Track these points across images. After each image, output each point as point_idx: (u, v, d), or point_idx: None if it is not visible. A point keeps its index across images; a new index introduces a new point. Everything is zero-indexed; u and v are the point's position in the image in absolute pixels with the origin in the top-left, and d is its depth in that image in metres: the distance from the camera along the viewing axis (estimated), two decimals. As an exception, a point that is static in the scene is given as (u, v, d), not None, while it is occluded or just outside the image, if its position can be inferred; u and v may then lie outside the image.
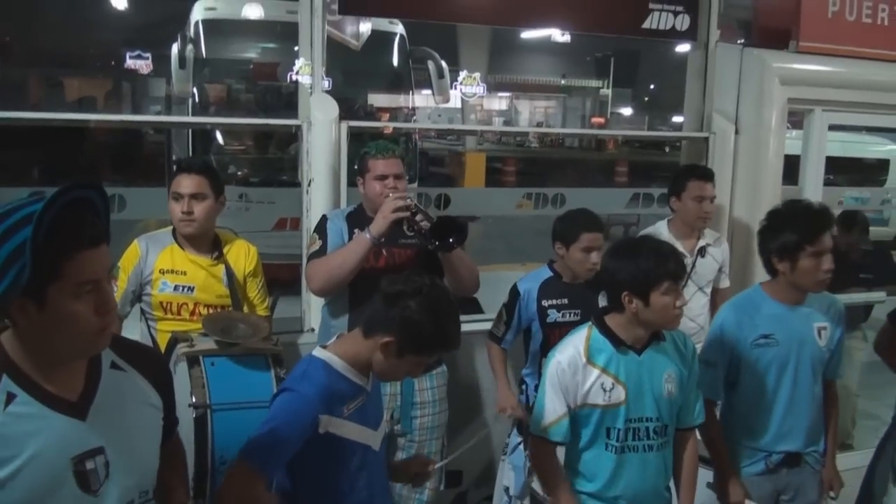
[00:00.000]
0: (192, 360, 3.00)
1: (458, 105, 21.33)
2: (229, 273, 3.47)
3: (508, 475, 3.71)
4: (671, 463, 2.92)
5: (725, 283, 4.44)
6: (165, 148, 11.01)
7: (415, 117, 11.42)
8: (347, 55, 7.54)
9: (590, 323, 2.87)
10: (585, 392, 2.77)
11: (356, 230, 3.46)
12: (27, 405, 1.67)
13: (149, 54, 20.07)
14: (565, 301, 3.68)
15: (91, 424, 1.73)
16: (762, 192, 4.58)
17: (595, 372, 2.77)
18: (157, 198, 3.67)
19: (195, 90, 9.55)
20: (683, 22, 4.74)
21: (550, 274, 3.75)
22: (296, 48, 4.40)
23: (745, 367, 3.23)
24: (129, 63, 20.89)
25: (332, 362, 2.38)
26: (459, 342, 2.42)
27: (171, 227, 3.50)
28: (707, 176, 4.37)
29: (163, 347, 3.23)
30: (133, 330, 3.56)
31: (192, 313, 3.39)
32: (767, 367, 3.20)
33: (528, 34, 20.72)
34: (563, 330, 3.32)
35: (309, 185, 3.97)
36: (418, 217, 3.30)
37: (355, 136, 4.06)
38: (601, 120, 36.98)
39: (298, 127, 4.04)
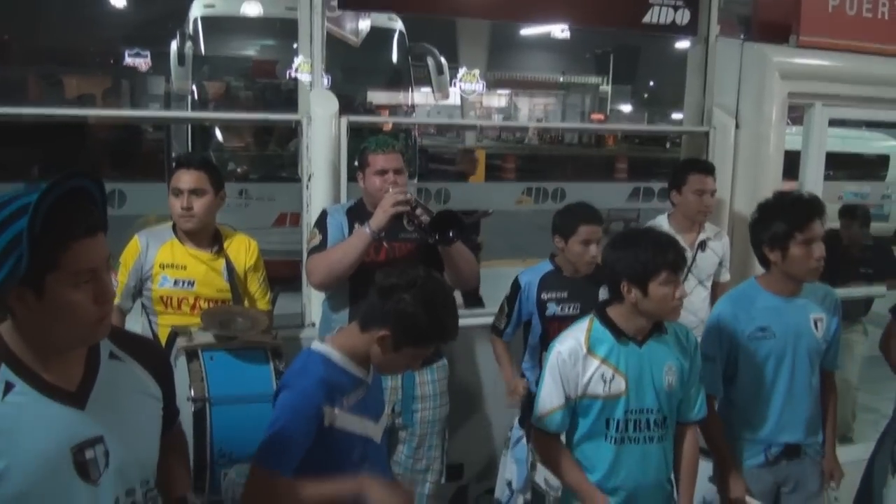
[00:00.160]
0: (191, 354, 2.99)
1: (458, 102, 21.33)
2: (230, 267, 3.47)
3: (511, 469, 3.72)
4: (672, 455, 2.93)
5: (726, 276, 4.44)
6: (165, 145, 11.00)
7: (414, 114, 11.40)
8: (347, 52, 7.53)
9: (591, 314, 2.88)
10: (586, 383, 2.78)
11: (356, 224, 3.46)
12: (26, 395, 1.67)
13: (148, 52, 20.07)
14: (565, 294, 3.70)
15: (90, 414, 1.73)
16: (762, 186, 4.57)
17: (595, 362, 2.78)
18: (156, 193, 3.68)
19: (194, 87, 9.53)
20: (683, 16, 4.74)
21: (551, 268, 3.77)
22: (295, 45, 4.39)
23: (742, 361, 3.24)
24: (129, 61, 20.90)
25: (331, 355, 2.38)
26: (457, 333, 2.42)
27: (171, 222, 3.50)
28: (708, 169, 4.37)
29: (163, 342, 3.23)
30: (134, 324, 3.57)
31: (193, 308, 3.40)
32: (765, 359, 3.21)
33: (527, 31, 20.70)
34: (562, 323, 3.33)
35: (309, 180, 3.97)
36: (418, 211, 3.31)
37: (355, 132, 4.06)
38: (601, 117, 36.97)
39: (298, 122, 4.03)
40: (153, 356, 1.98)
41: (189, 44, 9.53)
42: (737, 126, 4.75)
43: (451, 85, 12.95)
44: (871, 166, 14.18)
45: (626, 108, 38.11)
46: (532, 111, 39.97)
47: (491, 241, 8.25)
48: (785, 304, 3.23)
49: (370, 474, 2.39)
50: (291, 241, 4.30)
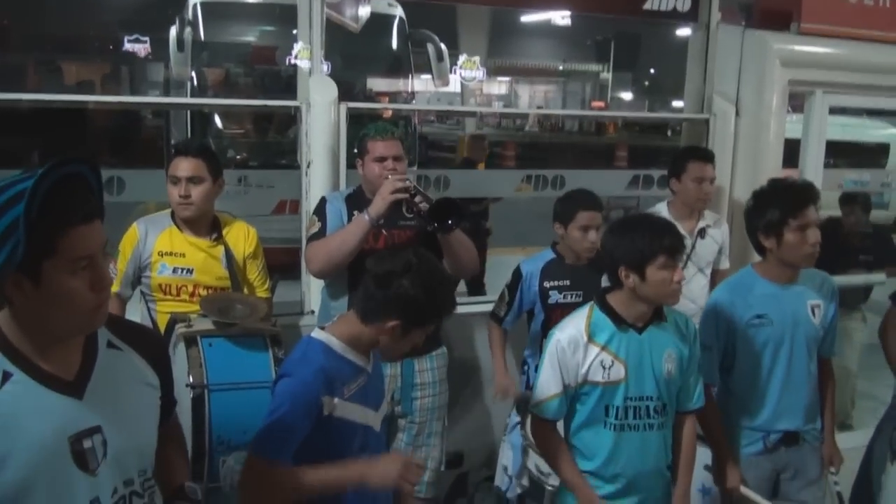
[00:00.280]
0: (190, 341, 2.99)
1: (458, 89, 21.26)
2: (228, 255, 3.46)
3: (507, 454, 3.73)
4: (671, 443, 2.93)
5: (725, 264, 4.44)
6: (164, 131, 10.97)
7: (414, 101, 11.37)
8: (346, 38, 7.49)
9: (591, 302, 2.88)
10: (586, 370, 2.78)
11: (355, 212, 3.45)
12: (23, 384, 1.66)
13: (147, 38, 19.98)
14: (567, 282, 3.70)
15: (88, 403, 1.72)
16: (762, 173, 4.56)
17: (595, 350, 2.79)
18: (156, 180, 3.66)
19: (194, 74, 9.51)
20: (685, 3, 4.73)
21: (553, 256, 3.78)
22: (294, 31, 4.37)
23: (740, 349, 3.24)
24: (128, 47, 20.80)
25: (331, 343, 2.38)
26: (455, 305, 2.48)
27: (169, 210, 3.50)
28: (707, 157, 4.36)
29: (163, 329, 3.23)
30: (133, 312, 3.56)
31: (192, 295, 3.39)
32: (762, 347, 3.21)
33: (528, 18, 20.61)
34: (564, 311, 3.33)
35: (308, 167, 3.96)
36: (417, 198, 3.30)
37: (354, 119, 4.05)
38: (601, 104, 36.82)
39: (297, 109, 4.02)
40: (151, 345, 1.97)
41: (188, 30, 9.49)
42: (737, 114, 4.75)
43: (451, 72, 12.92)
44: (871, 154, 14.16)
45: (627, 95, 37.98)
46: (532, 98, 39.86)
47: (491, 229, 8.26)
48: (782, 292, 3.22)
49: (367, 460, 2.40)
50: (291, 228, 4.29)
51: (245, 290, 3.52)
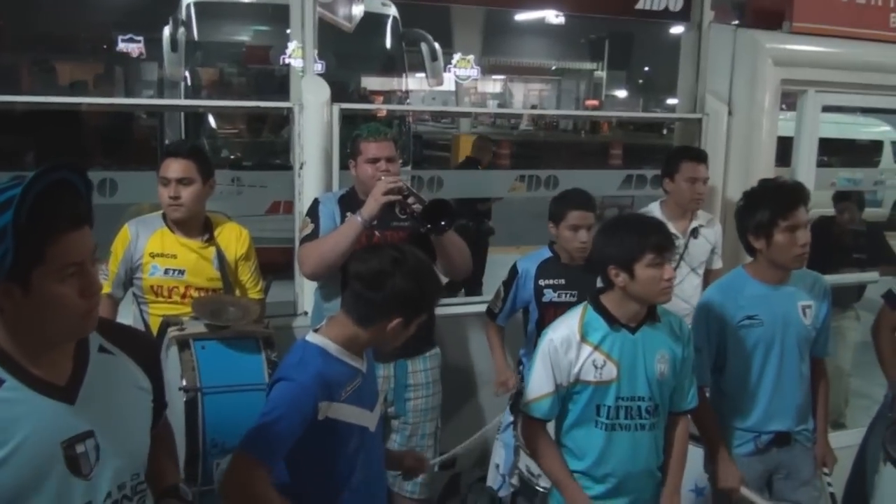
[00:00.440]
0: (183, 344, 2.99)
1: (452, 88, 21.26)
2: (220, 256, 3.46)
3: (499, 453, 3.75)
4: (663, 443, 2.94)
5: (718, 264, 4.44)
6: (158, 132, 10.96)
7: (408, 100, 11.37)
8: (340, 38, 7.48)
9: (586, 302, 2.89)
10: (578, 369, 2.78)
11: (348, 213, 3.45)
12: (15, 390, 1.66)
13: (141, 38, 19.94)
14: (562, 281, 3.71)
15: (80, 408, 1.72)
16: (755, 173, 4.56)
17: (588, 349, 2.79)
18: (149, 182, 3.65)
19: (187, 74, 9.50)
20: (677, 3, 4.73)
21: (550, 255, 3.79)
22: (288, 31, 4.37)
23: (731, 349, 3.24)
24: (122, 47, 20.76)
25: (328, 347, 2.38)
26: (443, 287, 2.58)
27: (161, 211, 3.49)
28: (700, 157, 4.36)
29: (155, 331, 3.23)
30: (126, 314, 3.56)
31: (184, 296, 3.39)
32: (753, 347, 3.21)
33: (522, 16, 20.62)
34: (558, 310, 3.34)
35: (301, 168, 3.96)
36: (410, 200, 3.30)
37: (348, 119, 4.05)
38: (595, 102, 36.91)
39: (290, 110, 4.02)
40: (143, 348, 1.97)
41: (182, 29, 9.49)
42: (729, 113, 4.75)
43: (445, 70, 12.92)
44: (864, 152, 14.20)
45: (621, 93, 38.05)
46: (527, 97, 39.95)
47: (486, 229, 8.27)
48: (772, 292, 3.22)
49: (367, 462, 2.41)
50: (285, 228, 4.29)
51: (237, 292, 3.51)
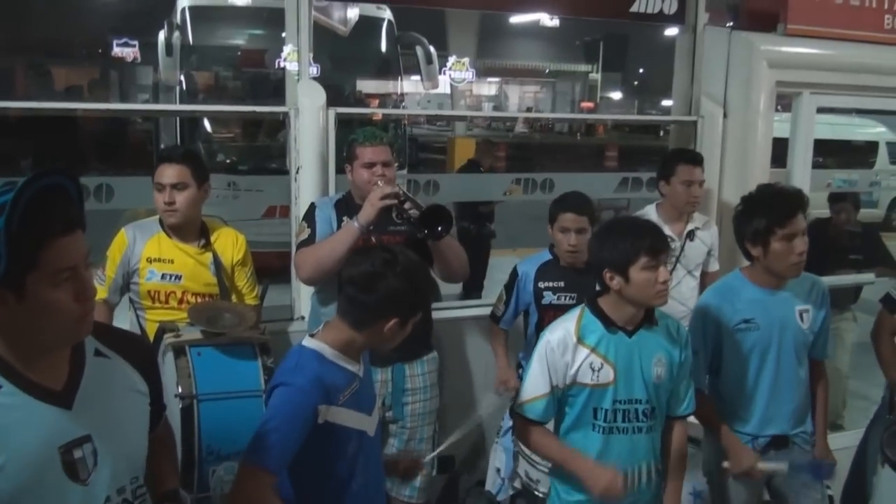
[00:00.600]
0: (179, 351, 2.98)
1: (448, 91, 21.29)
2: (217, 262, 3.45)
3: (500, 457, 3.75)
4: (660, 446, 2.93)
5: (714, 266, 4.45)
6: (153, 136, 10.96)
7: (404, 103, 11.37)
8: (335, 41, 7.49)
9: (583, 304, 2.89)
10: (575, 372, 2.78)
11: (345, 218, 3.45)
12: (12, 395, 1.66)
13: (136, 42, 19.95)
14: (561, 284, 3.73)
15: (77, 413, 1.72)
16: (751, 175, 4.57)
17: (585, 351, 2.79)
18: (145, 187, 3.64)
19: (182, 78, 9.50)
20: (671, 5, 4.73)
21: (550, 257, 3.80)
22: (283, 34, 4.37)
23: (727, 353, 3.23)
24: (117, 51, 20.78)
25: (324, 351, 2.37)
26: (436, 283, 2.54)
27: (158, 216, 3.48)
28: (696, 160, 4.36)
29: (152, 337, 3.22)
30: (122, 321, 3.54)
31: (180, 302, 3.38)
32: (749, 351, 3.20)
33: (516, 19, 20.65)
34: (557, 312, 3.34)
35: (297, 172, 3.95)
36: (406, 205, 3.30)
37: (344, 123, 4.04)
38: (590, 104, 36.96)
39: (286, 114, 4.01)
40: (139, 351, 1.97)
41: (177, 34, 9.49)
42: (725, 115, 4.75)
43: (440, 73, 12.94)
44: (859, 153, 14.23)
45: (616, 95, 38.10)
46: (522, 99, 39.97)
47: (483, 232, 8.28)
48: (769, 297, 3.21)
49: (365, 466, 2.40)
50: (281, 232, 4.28)
51: (233, 297, 3.50)
